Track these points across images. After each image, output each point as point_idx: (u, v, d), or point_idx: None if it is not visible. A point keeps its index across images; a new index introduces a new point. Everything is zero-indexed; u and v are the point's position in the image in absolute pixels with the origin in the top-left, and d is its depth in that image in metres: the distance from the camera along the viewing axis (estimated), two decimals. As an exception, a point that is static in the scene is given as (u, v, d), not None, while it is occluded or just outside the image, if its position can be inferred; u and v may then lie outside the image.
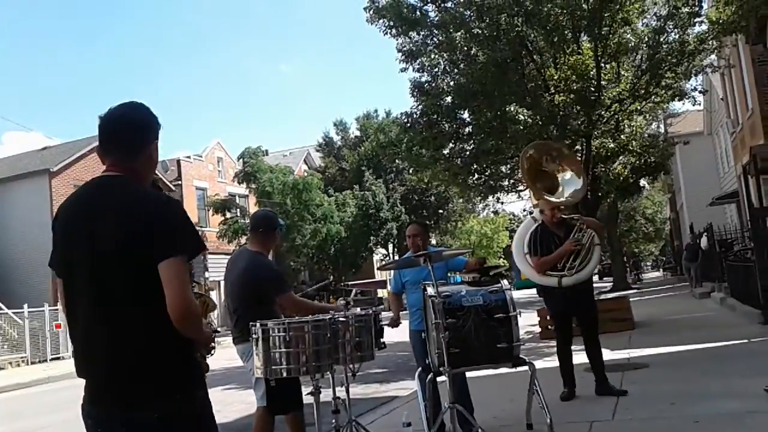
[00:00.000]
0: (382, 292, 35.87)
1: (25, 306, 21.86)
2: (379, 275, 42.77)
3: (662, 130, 25.01)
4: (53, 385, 15.32)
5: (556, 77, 13.35)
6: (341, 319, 4.21)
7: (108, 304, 2.12)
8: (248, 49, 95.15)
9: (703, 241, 20.92)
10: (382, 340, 4.68)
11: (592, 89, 13.12)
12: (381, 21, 14.39)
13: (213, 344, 3.39)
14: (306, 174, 39.38)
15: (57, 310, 23.30)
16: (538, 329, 12.75)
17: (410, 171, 24.72)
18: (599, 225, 6.57)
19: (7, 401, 12.97)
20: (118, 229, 2.11)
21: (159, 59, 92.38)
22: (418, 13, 14.31)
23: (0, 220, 24.83)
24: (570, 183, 6.26)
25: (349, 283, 37.73)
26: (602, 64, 13.47)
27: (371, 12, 14.39)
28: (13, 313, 21.77)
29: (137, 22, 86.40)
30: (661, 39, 13.14)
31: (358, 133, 46.18)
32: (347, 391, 4.48)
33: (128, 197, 2.19)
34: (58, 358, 22.30)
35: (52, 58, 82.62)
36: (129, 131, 2.32)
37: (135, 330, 2.10)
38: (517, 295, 4.64)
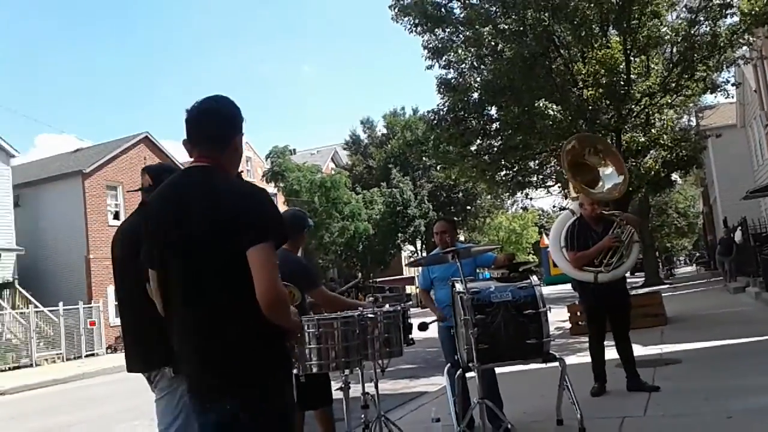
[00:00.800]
0: (410, 289, 35.87)
1: (60, 304, 22.33)
2: (407, 272, 42.81)
3: (694, 123, 24.59)
4: (87, 381, 15.64)
5: (584, 72, 13.21)
6: (370, 315, 4.25)
7: (201, 293, 2.18)
8: (270, 52, 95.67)
9: (737, 235, 20.56)
10: (410, 336, 4.71)
11: (622, 83, 12.96)
12: (406, 19, 14.38)
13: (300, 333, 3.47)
14: (333, 172, 39.55)
15: (91, 307, 23.79)
16: (568, 325, 12.67)
17: (437, 168, 24.67)
18: (639, 221, 6.52)
19: (43, 397, 13.27)
20: (210, 218, 2.17)
21: (184, 61, 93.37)
22: (443, 10, 14.27)
23: (35, 220, 25.33)
24: (610, 178, 6.14)
25: (378, 279, 37.82)
26: (631, 58, 13.29)
27: (396, 10, 14.39)
28: (49, 311, 22.24)
29: (160, 24, 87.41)
30: (693, 31, 12.93)
31: (384, 131, 46.22)
32: (376, 387, 4.51)
33: (218, 186, 2.25)
34: (92, 355, 22.76)
35: (83, 61, 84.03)
36: (217, 123, 2.37)
37: (228, 318, 2.15)
38: (547, 291, 4.63)
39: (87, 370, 17.18)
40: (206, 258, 2.17)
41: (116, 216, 27.04)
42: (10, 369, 19.33)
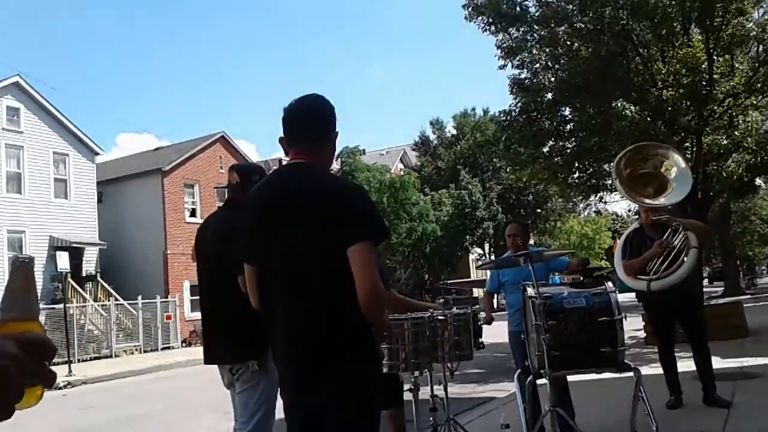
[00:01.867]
0: (477, 292, 35.58)
1: (139, 298, 23.22)
2: (475, 275, 42.45)
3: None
4: (163, 373, 16.21)
5: (664, 71, 12.77)
6: (440, 317, 4.23)
7: (302, 289, 2.22)
8: (337, 54, 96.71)
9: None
10: (480, 339, 4.66)
11: (704, 83, 12.46)
12: (480, 18, 14.27)
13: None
14: (402, 173, 39.62)
15: (167, 302, 24.64)
16: (643, 334, 12.28)
17: (508, 169, 24.35)
18: (701, 227, 6.19)
19: (122, 387, 13.84)
20: (314, 215, 2.22)
21: (253, 64, 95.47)
22: (518, 9, 14.09)
23: (117, 216, 26.42)
24: (680, 180, 5.87)
25: (449, 282, 37.68)
26: (714, 57, 12.77)
27: (470, 9, 14.29)
28: (128, 303, 23.16)
29: (235, 28, 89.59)
30: (781, 29, 12.32)
31: (454, 132, 45.97)
32: (445, 390, 4.49)
33: (321, 183, 2.30)
34: (168, 348, 23.56)
35: (163, 63, 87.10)
36: (314, 121, 2.43)
37: (327, 314, 2.20)
38: (622, 298, 4.48)
39: (163, 363, 17.81)
40: (308, 253, 2.20)
41: (193, 213, 27.90)
42: (91, 359, 20.25)
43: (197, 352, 21.70)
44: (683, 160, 6.16)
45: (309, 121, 2.41)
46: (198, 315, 25.92)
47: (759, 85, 12.85)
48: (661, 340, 5.94)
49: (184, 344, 24.91)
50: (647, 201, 5.83)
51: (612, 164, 15.71)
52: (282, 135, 2.43)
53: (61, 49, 76.59)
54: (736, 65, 13.22)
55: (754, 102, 13.25)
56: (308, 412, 2.22)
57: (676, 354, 5.89)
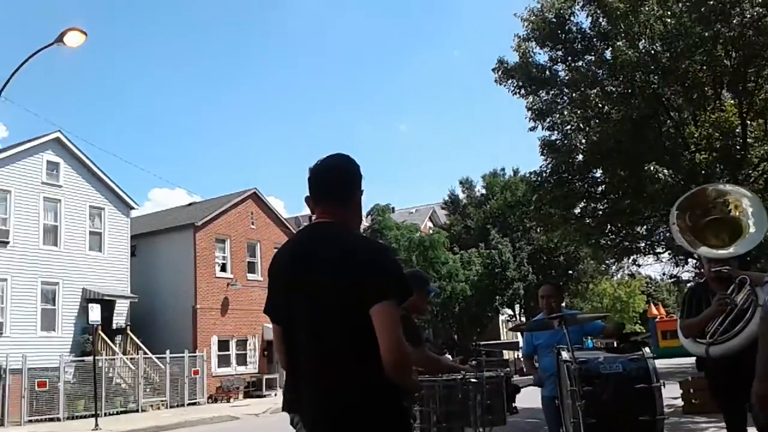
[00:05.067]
0: (507, 354, 34.91)
1: (167, 352, 23.24)
2: (505, 336, 41.76)
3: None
4: (190, 429, 16.06)
5: (696, 135, 12.78)
6: (473, 380, 4.17)
7: (325, 348, 2.22)
8: (367, 111, 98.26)
9: None
10: (514, 404, 4.56)
11: (737, 147, 12.43)
12: (510, 81, 14.51)
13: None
14: (431, 231, 39.64)
15: (195, 356, 24.61)
16: (680, 402, 11.89)
17: (538, 230, 24.28)
18: None
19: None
20: (337, 275, 2.22)
21: (281, 122, 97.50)
22: (547, 72, 14.31)
23: (149, 269, 26.73)
24: (758, 221, 4.98)
25: (482, 343, 37.10)
26: (748, 122, 12.75)
27: (500, 73, 14.57)
28: (157, 357, 23.18)
29: (264, 87, 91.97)
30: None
31: (484, 191, 46.04)
32: (478, 455, 4.39)
33: (345, 243, 2.31)
34: (194, 404, 23.39)
35: (195, 119, 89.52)
36: (340, 181, 2.46)
37: (350, 375, 2.18)
38: (657, 364, 4.36)
39: (189, 419, 17.65)
40: (331, 313, 2.21)
41: (223, 268, 28.13)
42: (117, 413, 20.16)
43: (223, 408, 21.60)
44: (754, 196, 5.33)
45: (334, 181, 2.44)
46: (225, 371, 25.68)
47: (794, 149, 12.77)
48: (728, 418, 4.96)
49: (210, 400, 24.74)
50: (710, 251, 5.04)
51: (644, 227, 15.66)
52: (308, 194, 2.48)
53: (97, 104, 79.26)
54: (771, 130, 13.18)
55: (790, 167, 13.14)
56: None
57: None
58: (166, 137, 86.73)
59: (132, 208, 26.70)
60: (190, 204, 32.63)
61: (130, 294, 25.16)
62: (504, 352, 36.31)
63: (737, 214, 5.05)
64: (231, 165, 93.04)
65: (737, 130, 12.45)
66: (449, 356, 7.70)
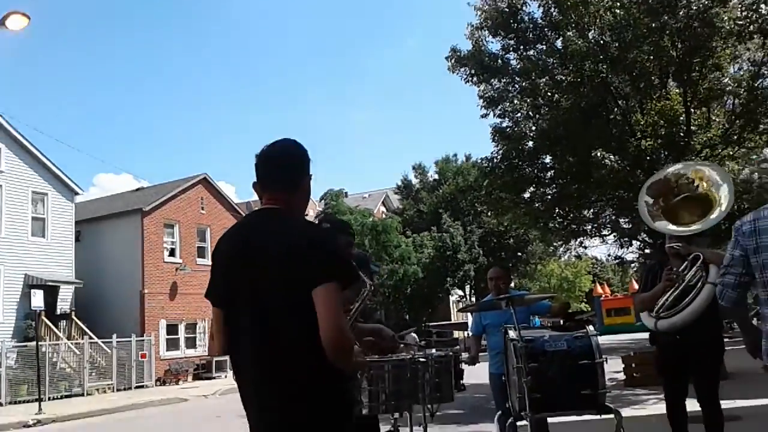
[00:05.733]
0: (457, 333, 35.45)
1: (114, 336, 22.84)
2: (455, 317, 42.35)
3: (756, 176, 23.95)
4: (138, 412, 15.85)
5: (642, 122, 13.10)
6: (421, 359, 4.24)
7: (269, 334, 2.20)
8: (322, 97, 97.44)
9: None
10: (461, 381, 4.68)
11: (681, 134, 12.80)
12: (462, 69, 14.60)
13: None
14: (384, 216, 39.79)
15: (143, 340, 24.25)
16: (622, 376, 12.34)
17: (489, 214, 24.61)
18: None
19: (93, 426, 13.50)
20: (282, 260, 2.21)
21: (233, 107, 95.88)
22: (499, 61, 14.44)
23: (95, 254, 26.16)
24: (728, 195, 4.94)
25: (431, 324, 37.54)
26: (692, 110, 13.14)
27: (453, 61, 14.63)
28: (102, 342, 22.77)
29: (211, 71, 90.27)
30: (756, 84, 12.73)
31: (436, 177, 46.38)
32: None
33: (290, 229, 2.30)
34: (142, 387, 23.09)
35: (141, 102, 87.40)
36: (287, 168, 2.45)
37: (295, 360, 2.17)
38: (601, 340, 4.51)
39: (137, 401, 17.43)
40: (275, 298, 2.19)
41: (172, 253, 27.72)
42: (62, 397, 19.75)
43: (171, 391, 21.36)
44: (723, 171, 5.32)
45: (280, 167, 2.43)
46: (174, 354, 25.41)
47: (735, 137, 13.22)
48: (669, 391, 5.14)
49: (158, 383, 24.45)
50: (668, 227, 5.06)
51: (591, 211, 16.02)
52: (255, 180, 2.46)
53: (42, 89, 76.53)
54: (713, 118, 13.61)
55: (731, 153, 13.61)
56: None
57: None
58: (111, 122, 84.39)
59: (76, 193, 26.06)
60: (137, 189, 31.99)
61: (74, 279, 24.60)
62: (454, 332, 36.83)
63: (708, 190, 5.01)
64: (180, 150, 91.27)
65: (681, 118, 12.81)
66: (414, 335, 7.75)
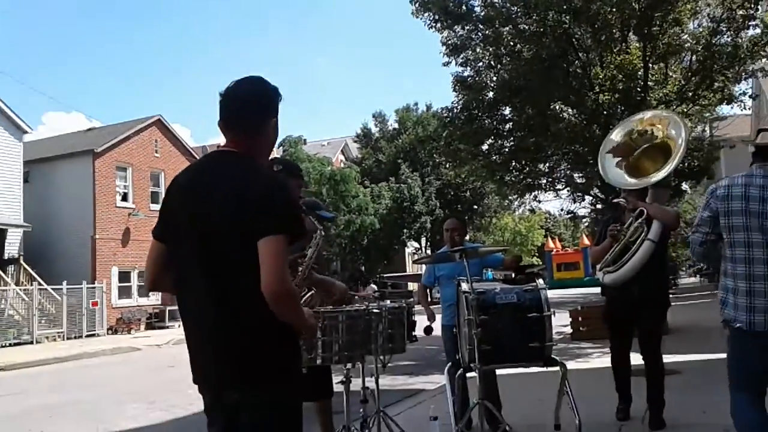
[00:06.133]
0: (412, 285, 35.92)
1: (64, 283, 22.41)
2: (411, 268, 42.81)
3: (708, 133, 24.48)
4: (87, 361, 15.69)
5: (601, 76, 13.12)
6: (375, 310, 4.23)
7: (214, 278, 2.14)
8: (283, 41, 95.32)
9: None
10: (413, 333, 4.69)
11: (638, 90, 12.88)
12: (426, 14, 14.35)
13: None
14: (343, 165, 39.56)
15: (94, 288, 23.87)
16: (569, 330, 12.65)
17: (447, 165, 24.63)
18: (668, 215, 5.03)
19: (42, 375, 13.32)
20: (226, 205, 2.14)
21: (190, 48, 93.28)
22: (463, 7, 14.21)
23: (44, 197, 25.40)
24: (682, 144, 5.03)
25: (385, 275, 37.91)
26: (650, 65, 13.19)
27: (416, 5, 14.35)
28: (52, 289, 22.33)
29: (174, 10, 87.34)
30: (714, 41, 12.83)
31: (396, 126, 46.17)
32: (376, 382, 4.50)
33: (241, 176, 2.20)
34: (93, 335, 22.84)
35: (94, 39, 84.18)
36: (251, 108, 2.32)
37: (242, 310, 2.12)
38: (550, 294, 4.58)
39: (87, 350, 17.23)
40: (222, 245, 2.14)
41: (124, 197, 27.11)
42: (10, 345, 19.41)
43: (123, 339, 21.19)
44: (674, 115, 5.36)
45: (244, 107, 2.30)
46: (126, 302, 25.16)
47: (690, 94, 13.36)
48: (613, 344, 5.33)
49: (110, 332, 24.22)
50: (618, 180, 5.13)
51: (546, 165, 16.14)
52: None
53: (-11, 20, 72.93)
54: (670, 74, 13.71)
55: (685, 110, 13.76)
56: (228, 411, 2.15)
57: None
58: (62, 57, 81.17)
59: (25, 132, 25.09)
60: (89, 129, 31.00)
61: (23, 223, 23.91)
62: (409, 283, 37.31)
63: (665, 134, 5.08)
64: (135, 90, 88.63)
65: (639, 73, 12.86)
66: (374, 286, 7.80)
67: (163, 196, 2.44)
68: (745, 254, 3.27)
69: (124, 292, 26.35)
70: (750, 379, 3.34)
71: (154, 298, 26.58)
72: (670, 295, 5.62)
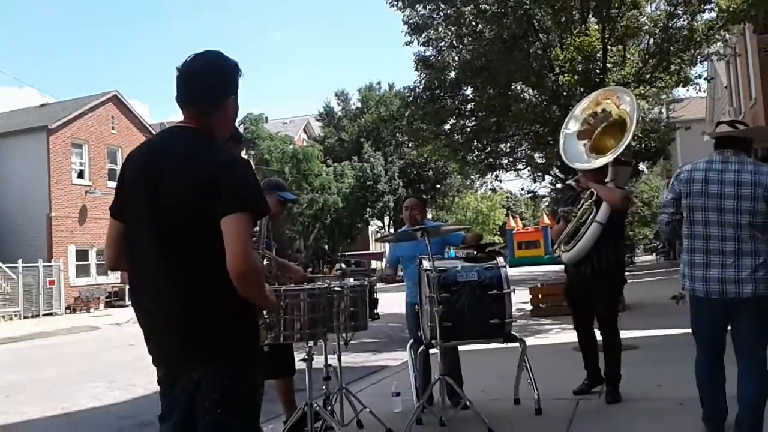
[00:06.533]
0: (375, 264, 36.05)
1: (20, 261, 21.94)
2: (374, 247, 42.92)
3: (664, 115, 24.97)
4: (45, 340, 15.41)
5: (561, 57, 13.26)
6: (337, 288, 4.27)
7: (171, 256, 2.11)
8: (239, 16, 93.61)
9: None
10: (376, 310, 4.76)
11: (597, 71, 13.06)
12: (388, -8, 14.27)
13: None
14: (306, 143, 39.28)
15: (51, 266, 23.39)
16: (529, 307, 12.89)
17: (410, 145, 24.68)
18: (614, 198, 4.99)
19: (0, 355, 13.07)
20: (184, 182, 2.10)
21: (147, 23, 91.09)
22: (426, -15, 14.17)
23: (-3, 174, 24.75)
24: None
25: (347, 253, 37.93)
26: (609, 47, 13.38)
27: (378, -18, 14.26)
28: (8, 267, 21.83)
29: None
30: (671, 24, 13.07)
31: (359, 105, 45.90)
32: (339, 360, 4.55)
33: (199, 152, 2.16)
34: (50, 314, 22.44)
35: (46, 10, 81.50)
36: (209, 83, 2.26)
37: (200, 288, 2.10)
38: (510, 272, 4.67)
39: (44, 329, 16.94)
40: (178, 223, 2.10)
41: (81, 175, 26.52)
42: (-36, 324, 18.98)
43: (82, 318, 20.86)
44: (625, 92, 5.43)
45: (198, 84, 2.25)
46: (85, 281, 24.71)
47: (647, 76, 13.60)
48: (574, 321, 5.46)
49: (68, 311, 23.81)
50: (575, 162, 5.21)
51: (507, 145, 16.31)
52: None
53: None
54: (628, 56, 13.92)
55: (642, 92, 14.01)
56: (188, 390, 2.13)
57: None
58: (13, 30, 78.38)
59: (-26, 106, 24.27)
60: (42, 105, 30.09)
61: (-26, 200, 23.26)
62: (373, 262, 37.42)
63: (618, 109, 5.18)
64: (89, 65, 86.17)
65: (598, 55, 13.04)
66: (344, 265, 7.84)
67: (119, 173, 2.38)
68: (703, 231, 3.60)
69: (83, 271, 25.89)
70: (706, 339, 3.76)
71: (114, 277, 26.17)
72: (627, 273, 5.75)
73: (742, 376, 3.63)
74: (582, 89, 13.09)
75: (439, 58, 14.85)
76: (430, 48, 14.89)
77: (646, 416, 4.59)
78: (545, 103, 13.36)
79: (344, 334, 4.42)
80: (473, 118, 15.24)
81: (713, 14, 12.98)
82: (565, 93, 13.06)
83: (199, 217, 2.08)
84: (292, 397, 4.64)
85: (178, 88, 2.26)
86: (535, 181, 19.95)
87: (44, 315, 22.12)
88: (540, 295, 12.85)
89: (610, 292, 5.28)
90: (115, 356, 11.48)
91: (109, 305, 25.46)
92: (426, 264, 4.45)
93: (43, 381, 8.97)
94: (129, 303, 25.15)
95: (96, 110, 27.36)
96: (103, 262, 26.33)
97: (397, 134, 33.83)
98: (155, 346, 2.24)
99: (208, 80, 2.26)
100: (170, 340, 2.16)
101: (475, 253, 5.02)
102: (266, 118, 38.10)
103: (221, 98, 2.26)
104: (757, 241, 3.51)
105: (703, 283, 3.59)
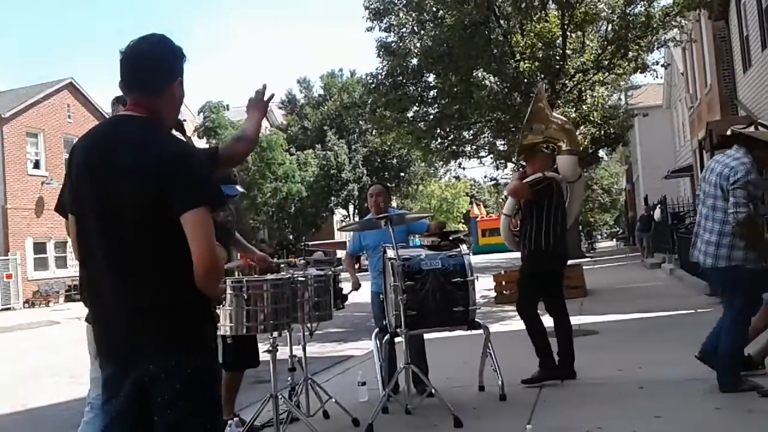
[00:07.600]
0: (341, 253, 36.03)
1: (-25, 255, 21.36)
2: (339, 236, 42.83)
3: (623, 102, 25.37)
4: (2, 335, 15.02)
5: (522, 44, 13.39)
6: (300, 278, 4.23)
7: (121, 250, 2.04)
8: (193, 4, 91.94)
9: (657, 213, 21.39)
10: (339, 300, 4.73)
11: (557, 58, 13.21)
12: (348, -24, 14.18)
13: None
14: (268, 131, 38.90)
15: (8, 259, 22.82)
16: (493, 294, 12.98)
17: (373, 132, 24.67)
18: (512, 188, 5.55)
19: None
20: (133, 174, 2.01)
21: (102, 9, 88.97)
22: (386, -30, 14.14)
23: (-53, 166, 23.97)
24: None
25: (310, 243, 37.77)
26: (568, 33, 13.53)
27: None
28: (-38, 262, 21.25)
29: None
30: (628, 10, 13.25)
31: (321, 92, 45.63)
32: (304, 350, 4.53)
33: (147, 142, 2.07)
34: (8, 309, 21.92)
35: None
36: (150, 69, 2.17)
37: (152, 280, 2.04)
38: (474, 260, 4.70)
39: (2, 325, 16.53)
40: (126, 217, 2.03)
41: (36, 165, 25.86)
42: None
43: (41, 313, 20.42)
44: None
45: (142, 67, 2.16)
46: (43, 274, 24.17)
47: (606, 62, 13.80)
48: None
49: (26, 305, 23.28)
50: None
51: (470, 132, 16.43)
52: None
53: None
54: (587, 42, 14.11)
55: (601, 78, 14.24)
56: (139, 385, 2.07)
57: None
58: (-39, 15, 75.68)
59: None
60: (-6, 93, 29.23)
61: (-76, 193, 22.53)
62: (338, 251, 37.38)
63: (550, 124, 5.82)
64: (43, 52, 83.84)
65: (558, 41, 13.19)
66: (321, 253, 7.77)
67: (66, 166, 2.29)
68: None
69: (41, 264, 25.29)
70: None
71: (73, 270, 25.60)
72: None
73: None
74: (543, 76, 13.23)
75: (401, 44, 14.87)
76: (392, 34, 14.90)
77: (608, 400, 4.67)
78: (506, 90, 13.48)
79: (309, 325, 4.39)
80: (436, 106, 15.31)
81: (669, 0, 13.21)
82: (525, 80, 13.18)
83: (148, 210, 2.01)
84: (235, 396, 4.55)
85: (122, 72, 2.18)
86: (497, 169, 20.15)
87: (2, 310, 21.61)
88: (504, 282, 12.93)
89: (520, 279, 5.50)
90: (77, 351, 11.21)
91: (69, 299, 24.92)
92: (390, 253, 4.44)
93: (2, 377, 8.75)
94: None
95: (51, 98, 26.65)
96: (63, 254, 25.84)
97: (360, 122, 33.80)
98: (106, 339, 2.17)
99: (153, 63, 2.18)
100: (122, 335, 2.09)
101: (439, 241, 5.03)
102: (227, 106, 37.63)
103: (167, 82, 2.19)
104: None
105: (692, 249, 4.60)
